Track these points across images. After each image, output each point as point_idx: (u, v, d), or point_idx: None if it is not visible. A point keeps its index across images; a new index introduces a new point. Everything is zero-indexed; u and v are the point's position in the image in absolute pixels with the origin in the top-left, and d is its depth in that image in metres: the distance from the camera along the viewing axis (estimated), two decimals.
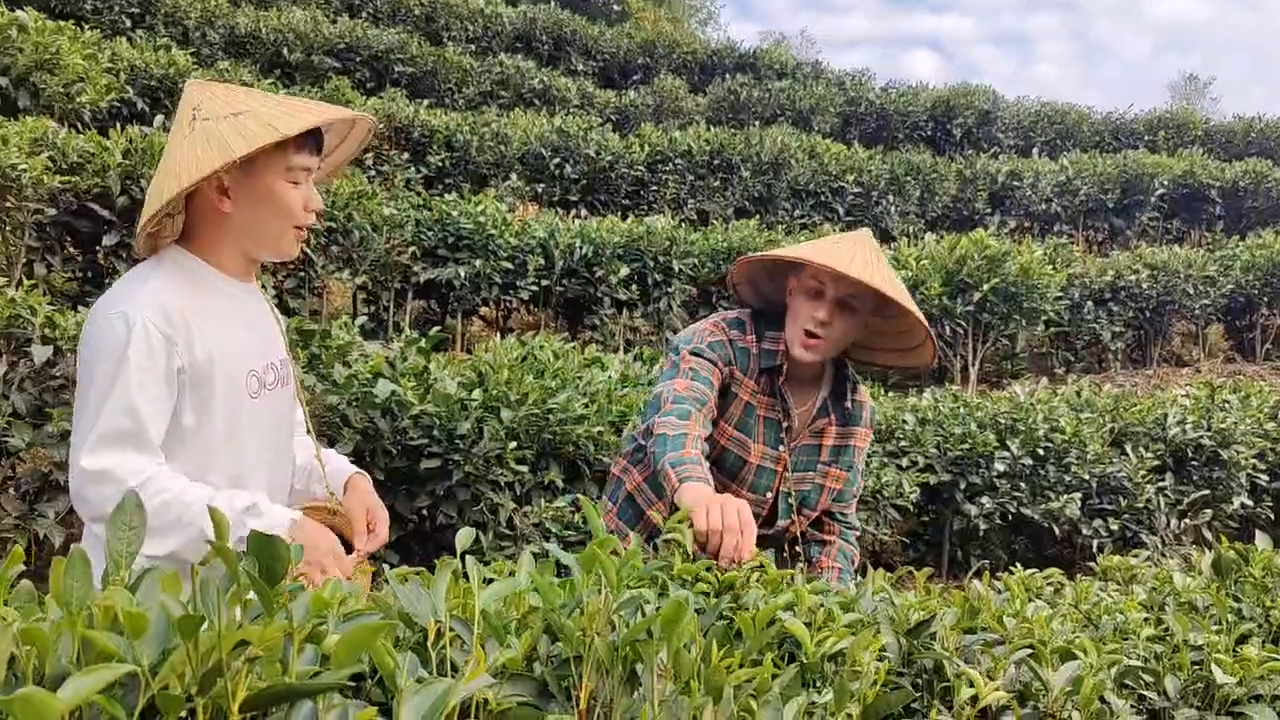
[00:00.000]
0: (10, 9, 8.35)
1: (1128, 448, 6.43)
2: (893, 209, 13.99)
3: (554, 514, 4.35)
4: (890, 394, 7.58)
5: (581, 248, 9.09)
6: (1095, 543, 6.02)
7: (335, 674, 0.93)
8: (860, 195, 13.72)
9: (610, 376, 5.41)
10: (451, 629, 1.09)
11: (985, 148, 17.72)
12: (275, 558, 1.00)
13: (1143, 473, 6.25)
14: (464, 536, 1.27)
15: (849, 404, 2.67)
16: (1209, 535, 6.24)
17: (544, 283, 9.01)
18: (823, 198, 13.55)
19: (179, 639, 0.87)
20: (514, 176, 11.73)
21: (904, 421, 6.09)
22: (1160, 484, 6.35)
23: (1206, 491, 6.43)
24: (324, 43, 13.94)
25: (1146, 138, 19.16)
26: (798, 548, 2.69)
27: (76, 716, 0.88)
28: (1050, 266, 10.21)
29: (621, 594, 1.16)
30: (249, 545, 1.00)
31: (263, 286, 2.33)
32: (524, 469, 4.40)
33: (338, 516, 2.20)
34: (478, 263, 8.50)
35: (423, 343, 4.88)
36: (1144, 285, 11.30)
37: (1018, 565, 2.61)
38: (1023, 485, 6.06)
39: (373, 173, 10.58)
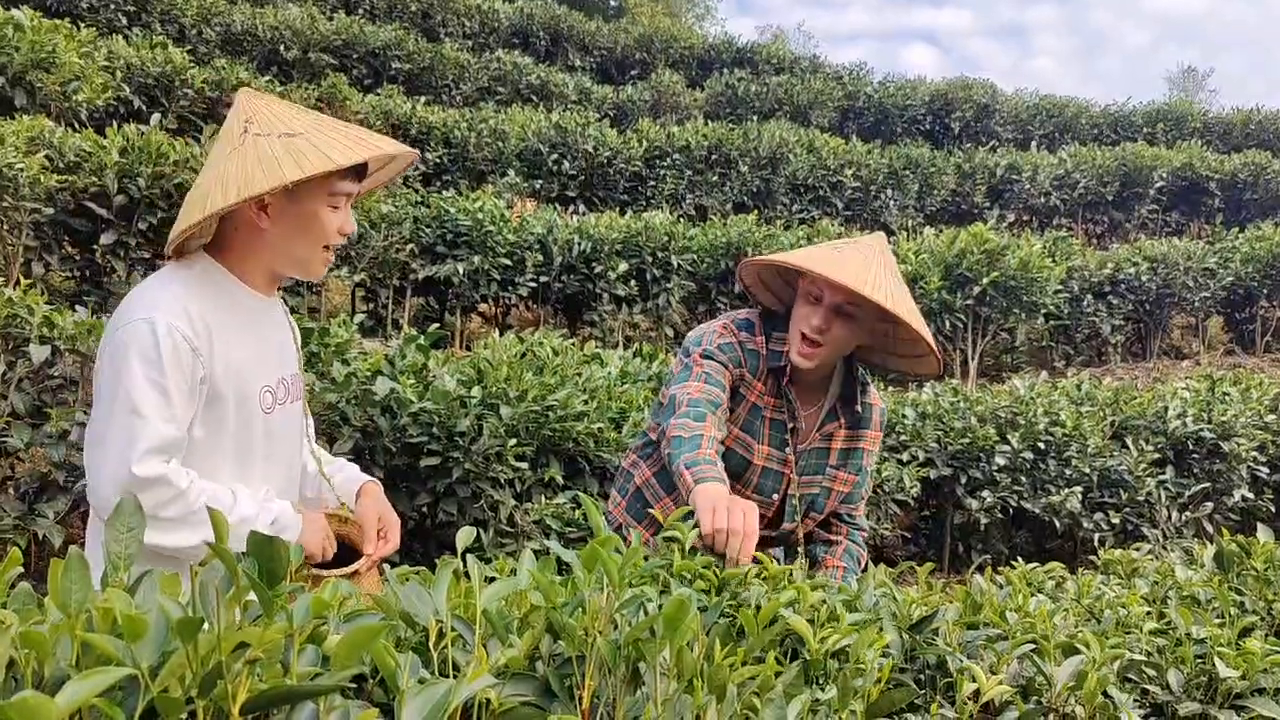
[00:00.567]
0: (6, 7, 8.33)
1: (1128, 441, 6.43)
2: (891, 203, 13.97)
3: (554, 511, 4.35)
4: (890, 389, 7.59)
5: (580, 244, 9.08)
6: (1096, 536, 6.01)
7: (336, 675, 0.92)
8: (859, 189, 13.70)
9: (610, 373, 5.40)
10: (453, 629, 1.09)
11: (984, 141, 17.70)
12: (274, 559, 0.99)
13: (1143, 466, 6.25)
14: (465, 535, 1.26)
15: (859, 406, 2.65)
16: (1210, 528, 6.24)
17: (542, 279, 9.00)
18: (821, 192, 13.53)
19: (178, 641, 0.87)
20: (512, 173, 11.71)
21: (904, 416, 6.08)
22: (1161, 477, 6.34)
23: (1207, 484, 6.42)
24: (321, 40, 13.91)
25: (1145, 130, 19.14)
26: (798, 549, 2.68)
27: (76, 719, 0.87)
28: (1049, 260, 10.20)
29: (624, 592, 1.16)
30: (248, 546, 1.00)
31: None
32: (524, 466, 4.39)
33: (349, 524, 2.23)
34: (476, 259, 8.49)
35: (422, 340, 4.87)
36: (1143, 278, 11.29)
37: (1019, 560, 2.61)
38: (1023, 479, 6.06)
39: None
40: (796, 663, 1.33)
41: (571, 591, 1.26)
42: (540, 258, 8.93)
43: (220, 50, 13.05)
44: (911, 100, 18.41)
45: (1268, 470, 6.65)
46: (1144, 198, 15.49)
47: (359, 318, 5.25)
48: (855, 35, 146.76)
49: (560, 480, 4.54)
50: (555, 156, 12.16)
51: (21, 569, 1.07)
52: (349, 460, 2.58)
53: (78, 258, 7.08)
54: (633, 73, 19.08)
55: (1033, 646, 1.59)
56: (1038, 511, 6.01)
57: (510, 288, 8.86)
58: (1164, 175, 15.47)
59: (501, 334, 6.15)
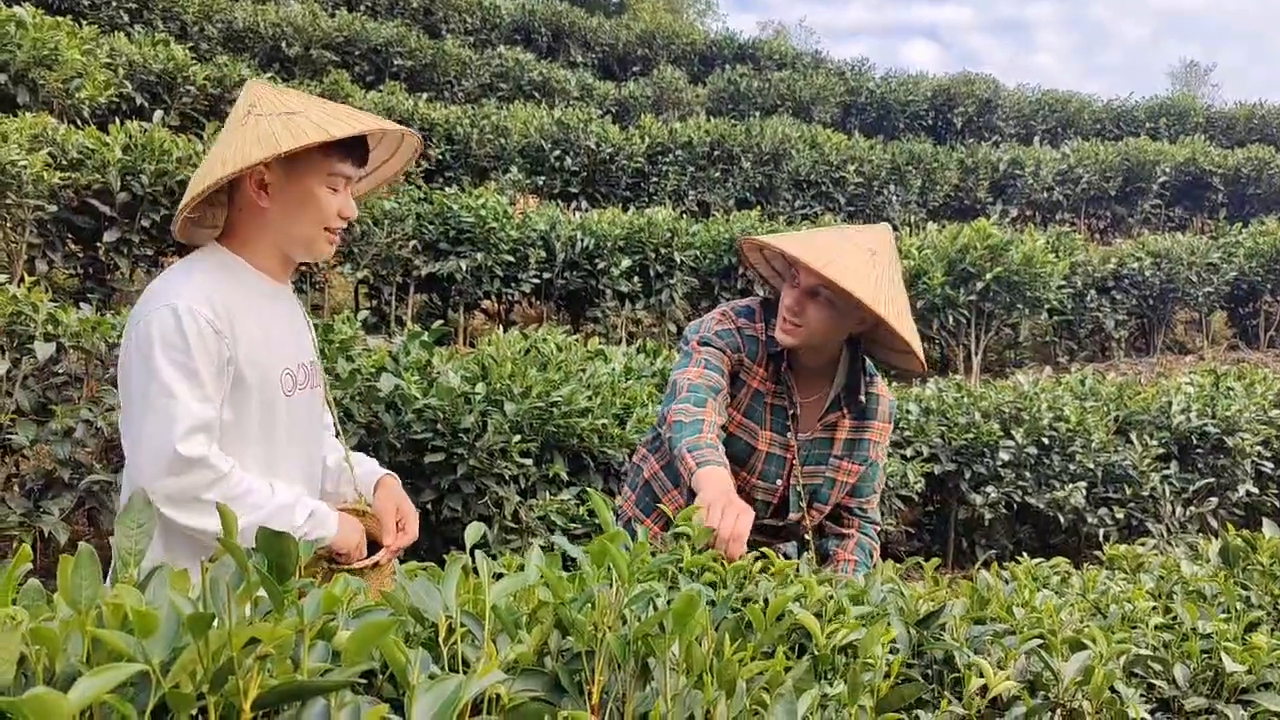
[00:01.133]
0: (8, 5, 8.33)
1: (1132, 436, 6.42)
2: (894, 199, 13.95)
3: (559, 507, 4.35)
4: (894, 384, 7.58)
5: (583, 240, 9.07)
6: (1100, 531, 6.01)
7: (347, 671, 0.92)
8: (861, 185, 13.69)
9: (614, 369, 5.40)
10: (462, 624, 1.09)
11: (986, 137, 17.69)
12: (284, 555, 1.00)
13: (1147, 461, 6.24)
14: (473, 531, 1.26)
15: (863, 397, 2.64)
16: (1214, 523, 6.23)
17: (545, 276, 9.00)
18: (824, 188, 13.51)
19: (189, 637, 0.87)
20: (514, 169, 11.70)
21: (908, 412, 6.08)
22: (1165, 472, 6.34)
23: (1211, 479, 6.42)
24: (322, 36, 13.91)
25: (1148, 125, 19.11)
26: (807, 538, 2.68)
27: (87, 716, 0.87)
28: (1053, 255, 10.19)
29: (633, 588, 1.16)
30: (257, 542, 1.00)
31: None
32: (528, 462, 4.39)
33: (367, 517, 2.26)
34: (479, 256, 8.49)
35: (426, 336, 4.87)
36: (1147, 273, 11.28)
37: (1024, 555, 2.61)
38: (1027, 474, 6.05)
39: None
40: (806, 658, 1.33)
41: (579, 587, 1.26)
42: (543, 254, 8.93)
43: (222, 47, 13.05)
44: (914, 96, 18.38)
45: (1272, 465, 6.65)
46: (1147, 193, 15.47)
47: (363, 314, 5.25)
48: (855, 31, 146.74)
49: (565, 476, 4.54)
50: (557, 153, 12.15)
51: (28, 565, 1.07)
52: None
53: (81, 255, 7.08)
54: (635, 69, 19.06)
55: (1040, 642, 1.59)
56: (1042, 507, 6.01)
57: (513, 284, 8.86)
58: (1167, 170, 15.45)
59: (505, 330, 6.15)
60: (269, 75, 11.44)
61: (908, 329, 2.42)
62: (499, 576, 1.20)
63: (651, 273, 9.44)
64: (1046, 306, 10.14)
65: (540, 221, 9.13)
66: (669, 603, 1.12)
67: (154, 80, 10.08)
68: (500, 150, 11.89)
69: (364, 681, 1.02)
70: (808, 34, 58.03)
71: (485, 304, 9.55)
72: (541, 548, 1.33)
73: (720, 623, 1.26)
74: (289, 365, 2.15)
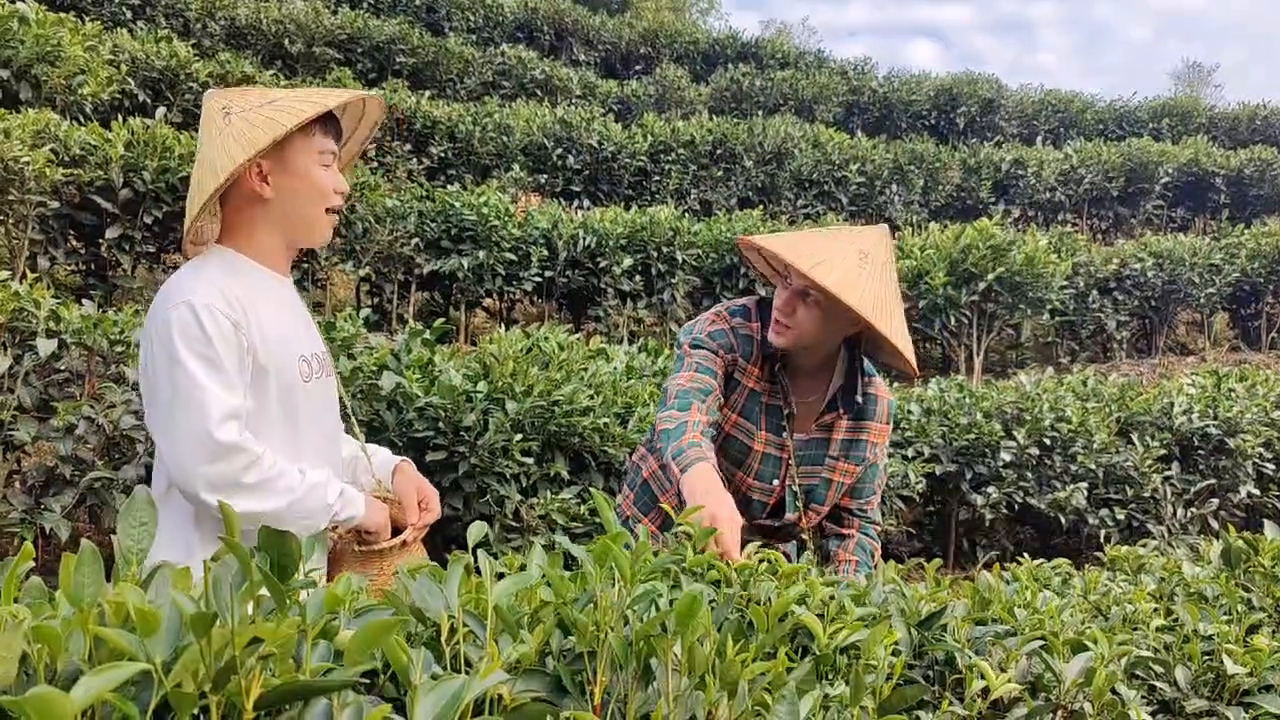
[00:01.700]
0: (11, 0, 8.32)
1: (1134, 437, 6.42)
2: (896, 198, 13.95)
3: (560, 506, 4.35)
4: (896, 385, 7.58)
5: (585, 239, 9.07)
6: (1102, 533, 6.01)
7: (349, 671, 0.92)
8: (864, 185, 13.68)
9: (615, 368, 5.40)
10: (464, 624, 1.09)
11: (989, 136, 17.67)
12: (286, 553, 1.00)
13: (1149, 462, 6.24)
14: (475, 531, 1.26)
15: (859, 398, 2.63)
16: (1215, 525, 6.23)
17: (547, 274, 9.00)
18: (826, 187, 13.50)
19: (191, 636, 0.87)
20: (516, 167, 11.69)
21: (910, 412, 6.08)
22: (1167, 473, 6.34)
23: (1213, 481, 6.41)
24: (325, 33, 13.90)
25: (1150, 126, 19.08)
26: (804, 537, 2.68)
27: (89, 715, 0.87)
28: (1055, 255, 10.18)
29: (635, 588, 1.16)
30: (260, 541, 1.00)
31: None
32: (530, 461, 4.39)
33: (389, 504, 2.33)
34: (481, 254, 8.49)
35: (427, 334, 4.87)
36: (1149, 274, 11.27)
37: (1025, 555, 2.61)
38: (1029, 475, 6.05)
39: (375, 164, 10.56)
40: (808, 658, 1.33)
41: (581, 587, 1.26)
42: (545, 253, 8.93)
43: (225, 44, 13.03)
44: (916, 95, 18.37)
45: (1273, 467, 6.64)
46: (1149, 193, 15.46)
47: (364, 312, 5.25)
48: (857, 30, 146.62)
49: (566, 475, 4.54)
50: (560, 151, 12.15)
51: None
52: None
53: (83, 251, 7.08)
54: (637, 67, 19.06)
55: (1041, 643, 1.59)
56: (1043, 507, 6.00)
57: (515, 283, 8.85)
58: (1169, 171, 15.43)
59: (506, 329, 6.15)
60: (271, 72, 11.42)
61: (897, 332, 2.41)
62: (501, 576, 1.20)
63: (653, 272, 9.44)
64: (1048, 307, 10.14)
65: (542, 220, 9.13)
66: (671, 603, 1.12)
67: (156, 77, 10.07)
68: (503, 148, 11.89)
69: (366, 681, 1.02)
70: (810, 33, 58.00)
71: (487, 302, 9.55)
72: (543, 547, 1.33)
73: (722, 623, 1.26)
74: (303, 353, 2.21)
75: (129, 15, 12.50)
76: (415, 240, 8.38)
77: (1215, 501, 6.34)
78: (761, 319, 2.61)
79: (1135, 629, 1.88)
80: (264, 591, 0.96)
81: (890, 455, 5.64)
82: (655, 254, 9.43)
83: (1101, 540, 5.92)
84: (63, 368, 4.31)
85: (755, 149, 13.18)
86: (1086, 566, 2.82)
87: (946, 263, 9.56)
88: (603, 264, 9.11)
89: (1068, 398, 6.56)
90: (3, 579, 1.02)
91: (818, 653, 1.34)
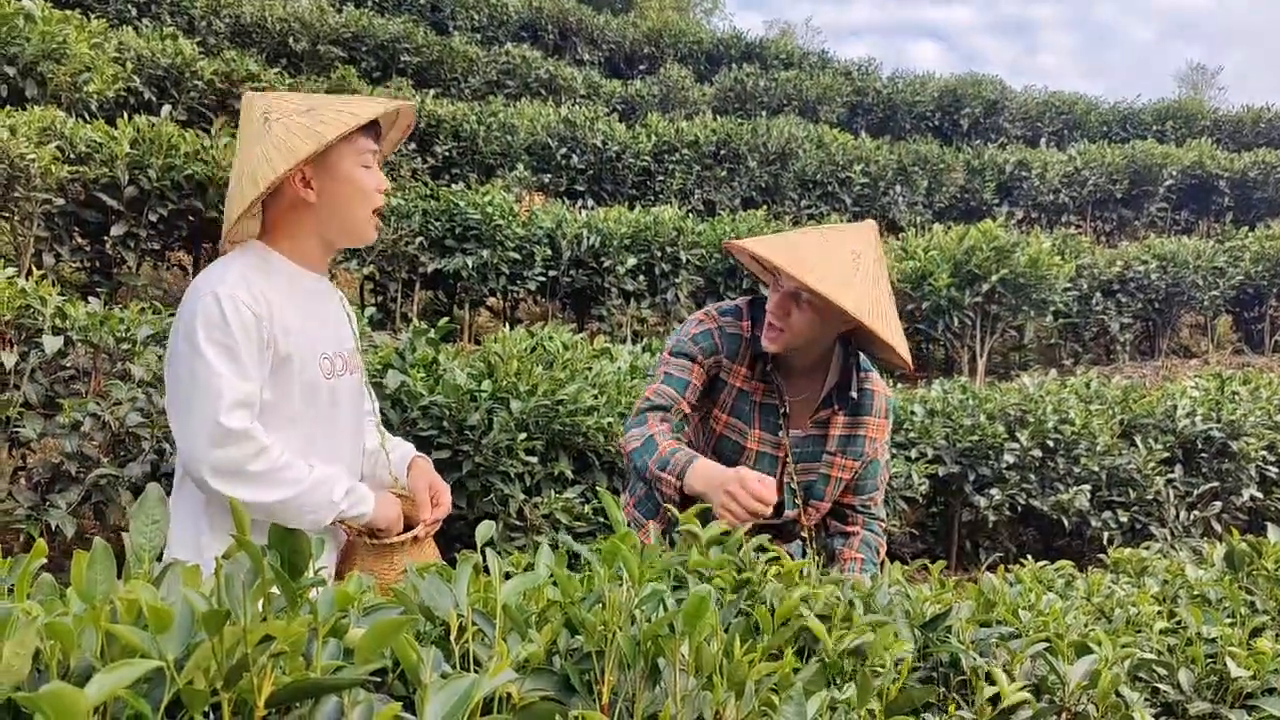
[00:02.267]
0: None
1: (1137, 440, 6.41)
2: (900, 199, 13.95)
3: (564, 505, 4.35)
4: (899, 385, 7.58)
5: (589, 238, 9.08)
6: (1105, 535, 6.01)
7: (360, 669, 0.93)
8: (867, 185, 13.68)
9: (619, 367, 5.40)
10: (473, 623, 1.09)
11: (993, 138, 17.67)
12: (297, 551, 1.00)
13: (1152, 465, 6.24)
14: (484, 530, 1.27)
15: (854, 393, 2.62)
16: (1218, 527, 6.23)
17: (551, 273, 9.01)
18: (830, 188, 13.51)
19: (204, 634, 0.87)
20: (521, 167, 11.70)
21: (913, 413, 6.08)
22: (1169, 476, 6.33)
23: (1216, 484, 6.41)
24: (330, 32, 13.92)
25: (1155, 128, 19.07)
26: (802, 535, 2.67)
27: (101, 711, 0.88)
28: (1059, 257, 10.18)
29: (643, 588, 1.16)
30: (270, 539, 1.00)
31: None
32: (534, 460, 4.40)
33: (404, 501, 2.36)
34: (485, 253, 8.50)
35: (432, 333, 4.87)
36: (1153, 276, 11.27)
37: (1027, 557, 2.61)
38: (1032, 477, 6.05)
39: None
40: (815, 660, 1.33)
41: (588, 587, 1.27)
42: (549, 252, 8.94)
43: (230, 42, 13.05)
44: (920, 96, 18.37)
45: (1276, 470, 6.63)
46: (1153, 196, 15.45)
47: (369, 311, 5.26)
48: (860, 31, 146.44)
49: (570, 475, 4.55)
50: (564, 151, 12.16)
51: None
52: None
53: (88, 249, 7.10)
54: (641, 67, 19.07)
55: (1046, 645, 1.59)
56: (1046, 509, 6.00)
57: (519, 282, 8.86)
58: (1173, 173, 15.42)
59: (510, 328, 6.15)
60: (276, 70, 11.43)
61: (890, 330, 2.41)
62: (508, 575, 1.20)
63: (657, 271, 9.44)
64: (1052, 309, 10.14)
65: (546, 219, 9.13)
66: (679, 603, 1.12)
67: (162, 75, 10.09)
68: (507, 147, 11.90)
69: (376, 679, 1.03)
70: (814, 33, 57.92)
71: (490, 301, 9.56)
72: (549, 546, 1.34)
73: (730, 624, 1.27)
74: (327, 350, 2.24)
75: (134, 13, 12.52)
76: (419, 239, 8.39)
77: (1218, 504, 6.34)
78: (753, 317, 2.61)
79: (1139, 631, 1.88)
80: (275, 589, 0.96)
81: (893, 456, 5.65)
82: (659, 254, 9.44)
83: (1104, 542, 5.92)
84: (68, 364, 4.33)
85: (759, 149, 13.18)
86: (1089, 569, 2.82)
87: (950, 264, 9.56)
88: (606, 263, 9.11)
89: (1071, 400, 6.56)
90: (14, 576, 1.02)
91: (827, 659, 1.35)
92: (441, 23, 16.95)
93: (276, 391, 2.12)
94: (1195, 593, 2.18)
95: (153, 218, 6.87)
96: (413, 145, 11.34)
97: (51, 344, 4.07)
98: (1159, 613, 1.99)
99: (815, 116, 16.91)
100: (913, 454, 5.83)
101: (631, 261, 9.11)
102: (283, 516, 2.01)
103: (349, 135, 2.14)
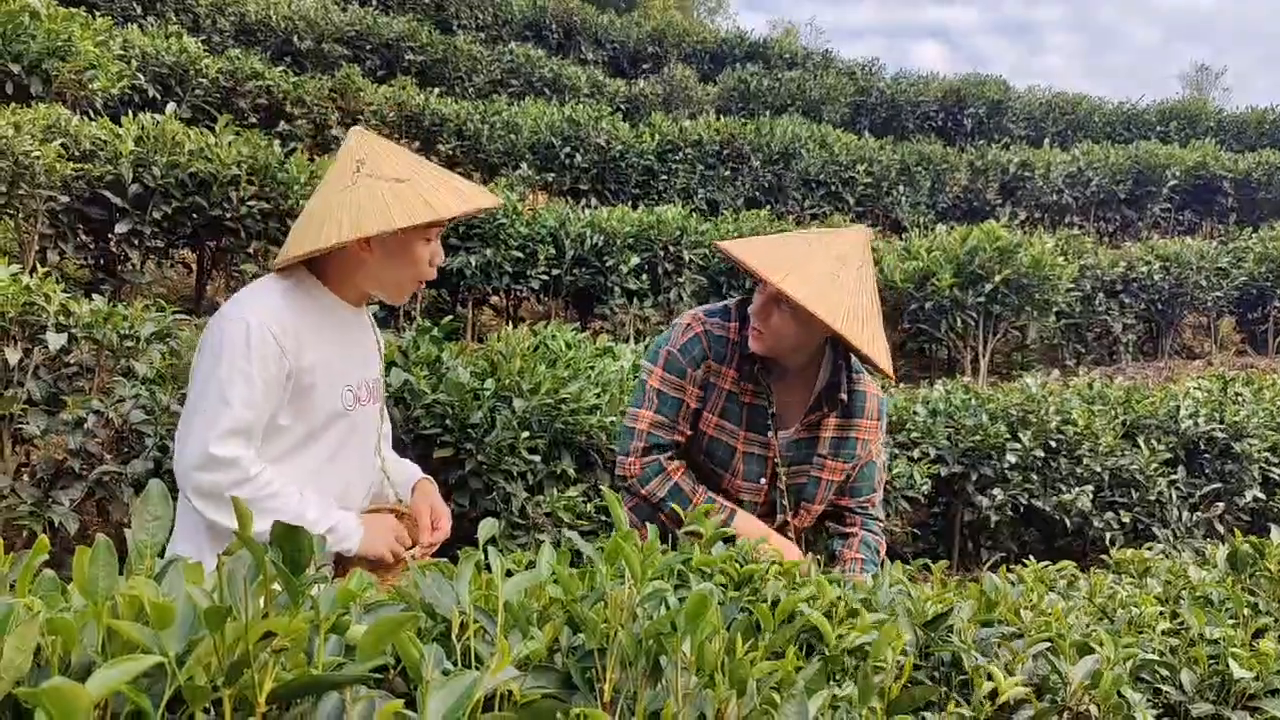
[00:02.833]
0: None
1: (1140, 440, 6.40)
2: (903, 199, 13.94)
3: (566, 504, 4.35)
4: (901, 385, 7.58)
5: (592, 237, 9.08)
6: (1107, 535, 6.00)
7: (361, 665, 0.93)
8: (871, 185, 13.67)
9: (622, 366, 5.40)
10: (475, 620, 1.09)
11: (996, 138, 17.64)
12: (299, 548, 1.00)
13: (1154, 465, 6.23)
14: (486, 528, 1.27)
15: (844, 395, 2.61)
16: (1221, 529, 6.22)
17: (554, 272, 9.00)
18: (833, 188, 13.50)
19: (205, 630, 0.87)
20: (524, 165, 11.70)
21: (915, 413, 6.07)
22: (1172, 477, 6.32)
23: (1219, 485, 6.40)
24: (334, 30, 13.92)
25: (1158, 128, 19.05)
26: (790, 536, 2.67)
27: (103, 707, 0.88)
28: (1062, 258, 10.16)
29: (646, 586, 1.16)
30: (273, 536, 1.00)
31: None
32: (536, 458, 4.40)
33: (404, 520, 2.40)
34: (488, 252, 8.49)
35: (435, 331, 4.87)
36: (1156, 277, 11.25)
37: (1030, 558, 2.61)
38: (1034, 477, 6.04)
39: None
40: (817, 658, 1.33)
41: (589, 585, 1.27)
42: (552, 251, 8.93)
43: (234, 40, 13.06)
44: (924, 96, 18.36)
45: None
46: (1157, 196, 15.43)
47: (372, 309, 5.25)
48: (862, 31, 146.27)
49: (572, 473, 4.55)
50: (568, 150, 12.16)
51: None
52: None
53: (92, 246, 7.10)
54: (645, 66, 19.06)
55: (1048, 645, 1.59)
56: (1048, 510, 5.99)
57: (522, 281, 8.86)
58: (1177, 174, 15.40)
59: (513, 326, 6.16)
60: (280, 69, 11.43)
61: (866, 338, 2.40)
62: (509, 573, 1.20)
63: (660, 271, 9.44)
64: (1055, 309, 10.12)
65: (550, 218, 9.13)
66: (681, 601, 1.12)
67: (166, 72, 10.10)
68: (511, 146, 11.90)
69: (377, 676, 1.03)
70: (817, 33, 57.88)
71: (494, 300, 9.56)
72: (552, 544, 1.34)
73: (732, 622, 1.27)
74: (351, 382, 2.31)
75: (139, 10, 12.54)
76: None
77: (1221, 505, 6.33)
78: (742, 318, 2.61)
79: (1141, 632, 1.88)
80: (277, 586, 0.96)
81: (895, 456, 5.64)
82: (662, 253, 9.44)
83: (1106, 543, 5.91)
84: (72, 361, 4.33)
85: (762, 149, 13.17)
86: (1091, 569, 2.82)
87: (953, 264, 9.55)
88: (609, 262, 9.11)
89: (1073, 400, 6.55)
90: (17, 572, 1.03)
91: (826, 653, 1.35)
92: (446, 21, 16.95)
93: (295, 418, 2.20)
94: (1198, 594, 2.18)
95: (157, 215, 6.87)
96: (416, 144, 11.33)
97: (55, 341, 4.07)
98: (1161, 613, 1.99)
99: (819, 116, 16.90)
100: (915, 454, 5.82)
101: (634, 261, 9.11)
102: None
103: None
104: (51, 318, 4.14)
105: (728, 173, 12.96)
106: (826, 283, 2.37)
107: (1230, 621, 1.97)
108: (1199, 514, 6.28)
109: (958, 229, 10.41)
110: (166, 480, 1.36)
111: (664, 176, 12.57)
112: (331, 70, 12.74)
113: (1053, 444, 6.12)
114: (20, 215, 6.39)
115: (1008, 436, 5.99)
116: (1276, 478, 6.61)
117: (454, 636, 1.07)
